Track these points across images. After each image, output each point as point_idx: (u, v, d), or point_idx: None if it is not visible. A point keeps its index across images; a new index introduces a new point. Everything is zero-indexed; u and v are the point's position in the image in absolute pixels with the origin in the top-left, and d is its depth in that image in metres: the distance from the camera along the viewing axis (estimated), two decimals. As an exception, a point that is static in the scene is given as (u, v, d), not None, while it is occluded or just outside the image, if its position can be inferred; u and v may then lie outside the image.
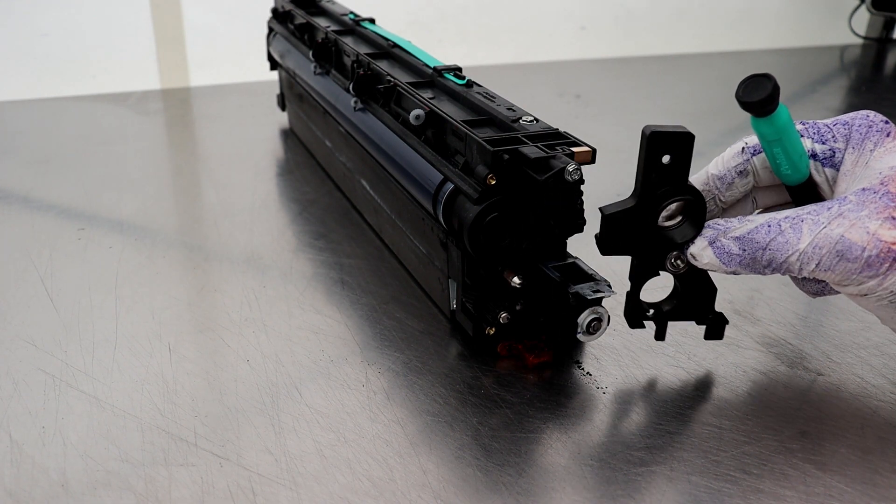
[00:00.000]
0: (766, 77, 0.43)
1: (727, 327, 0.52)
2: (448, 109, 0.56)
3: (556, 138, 0.51)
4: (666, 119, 1.07)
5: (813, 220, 0.44)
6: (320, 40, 0.76)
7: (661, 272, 0.49)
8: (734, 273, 0.46)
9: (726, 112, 1.11)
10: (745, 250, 0.45)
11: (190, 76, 1.45)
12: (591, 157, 0.50)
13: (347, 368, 0.53)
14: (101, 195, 0.78)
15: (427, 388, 0.51)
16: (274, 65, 0.95)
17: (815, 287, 0.50)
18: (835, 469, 0.45)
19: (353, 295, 0.61)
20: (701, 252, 0.47)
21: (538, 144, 0.50)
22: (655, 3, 1.80)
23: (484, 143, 0.49)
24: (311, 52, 0.77)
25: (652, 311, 0.51)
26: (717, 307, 0.51)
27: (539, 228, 0.51)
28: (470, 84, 0.60)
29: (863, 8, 1.55)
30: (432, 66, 0.63)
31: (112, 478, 0.43)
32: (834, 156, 0.47)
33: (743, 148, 0.49)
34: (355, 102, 0.67)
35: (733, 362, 0.54)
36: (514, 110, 0.55)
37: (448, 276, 0.56)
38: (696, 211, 0.47)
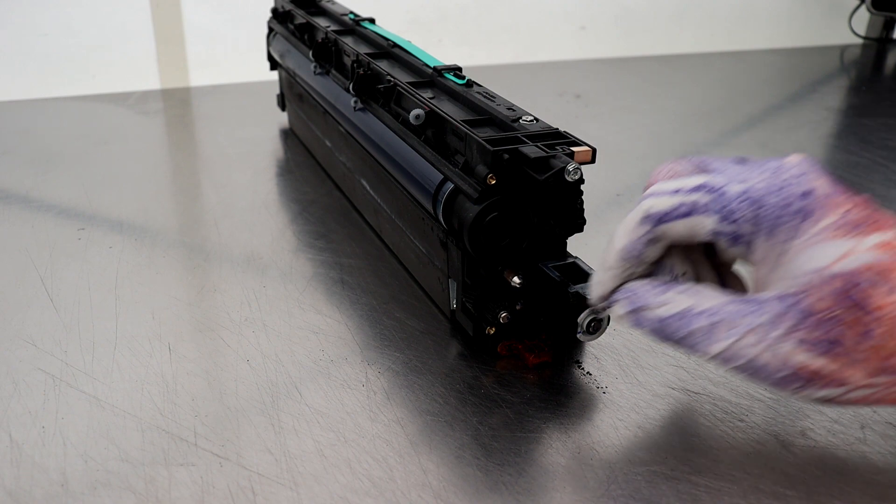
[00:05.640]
0: None
1: None
2: (448, 109, 0.56)
3: (555, 138, 0.51)
4: (665, 119, 1.07)
5: (728, 325, 0.41)
6: (320, 40, 0.76)
7: None
8: None
9: (726, 112, 1.11)
10: (662, 331, 0.43)
11: (190, 76, 1.45)
12: (591, 156, 0.50)
13: (347, 368, 0.53)
14: (101, 195, 0.78)
15: (427, 388, 0.51)
16: (274, 65, 0.95)
17: None
18: (835, 468, 0.45)
19: (353, 295, 0.61)
20: (621, 316, 0.45)
21: (538, 144, 0.50)
22: (655, 3, 1.80)
23: (484, 142, 0.49)
24: (311, 52, 0.77)
25: None
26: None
27: (539, 228, 0.51)
28: (470, 84, 0.60)
29: (863, 8, 1.55)
30: (432, 66, 0.63)
31: (112, 478, 0.43)
32: (740, 238, 0.42)
33: (643, 218, 0.43)
34: (355, 102, 0.67)
35: (733, 362, 0.54)
36: (513, 110, 0.55)
37: (448, 275, 0.56)
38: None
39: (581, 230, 0.52)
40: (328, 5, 0.88)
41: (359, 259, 0.67)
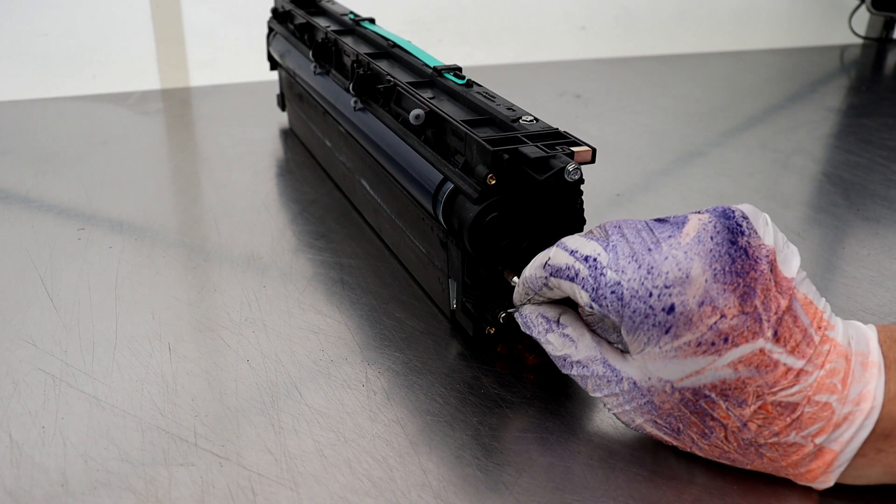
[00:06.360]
0: None
1: None
2: (448, 109, 0.56)
3: (555, 138, 0.51)
4: (665, 119, 1.07)
5: (594, 384, 0.45)
6: (320, 40, 0.76)
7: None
8: None
9: (726, 112, 1.11)
10: (552, 360, 0.48)
11: (190, 76, 1.45)
12: (591, 156, 0.50)
13: (347, 368, 0.53)
14: (101, 195, 0.78)
15: (427, 388, 0.51)
16: (274, 65, 0.95)
17: None
18: (835, 469, 0.45)
19: (353, 295, 0.61)
20: (523, 329, 0.49)
21: (538, 144, 0.50)
22: (655, 3, 1.80)
23: (484, 142, 0.49)
24: (311, 52, 0.77)
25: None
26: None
27: (539, 228, 0.51)
28: (470, 84, 0.60)
29: (863, 8, 1.55)
30: (432, 65, 0.63)
31: (112, 478, 0.43)
32: (609, 318, 0.43)
33: (545, 263, 0.46)
34: (355, 102, 0.67)
35: (733, 362, 0.54)
36: (513, 110, 0.55)
37: (448, 275, 0.56)
38: None
39: (581, 230, 0.52)
40: (328, 5, 0.88)
41: (359, 259, 0.67)
